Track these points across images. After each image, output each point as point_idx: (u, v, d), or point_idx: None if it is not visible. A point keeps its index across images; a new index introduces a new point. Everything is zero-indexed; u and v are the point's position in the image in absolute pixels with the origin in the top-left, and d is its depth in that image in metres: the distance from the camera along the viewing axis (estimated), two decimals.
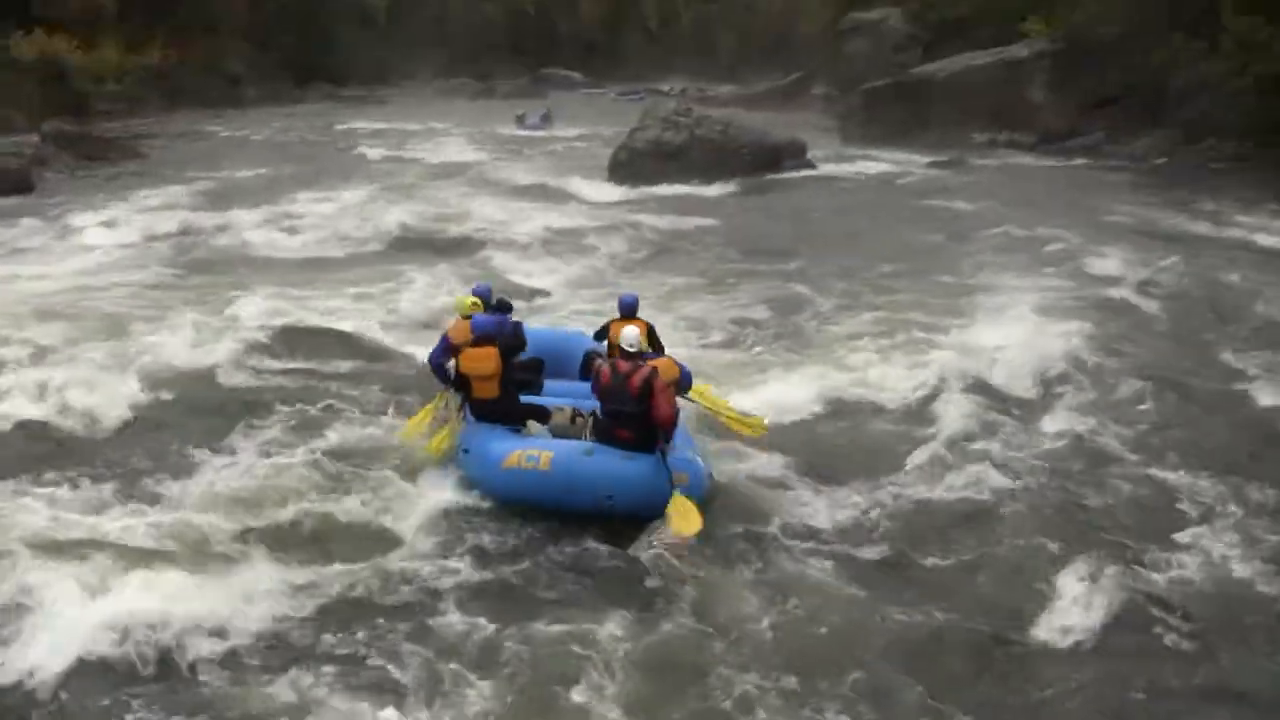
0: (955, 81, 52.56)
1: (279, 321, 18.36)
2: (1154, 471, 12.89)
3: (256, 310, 19.55)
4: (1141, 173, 41.27)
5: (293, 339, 17.27)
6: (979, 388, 15.56)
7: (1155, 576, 10.48)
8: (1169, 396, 15.40)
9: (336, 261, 25.81)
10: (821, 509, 11.93)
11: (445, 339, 12.70)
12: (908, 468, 13.01)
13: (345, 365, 16.43)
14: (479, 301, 13.31)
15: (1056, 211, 31.35)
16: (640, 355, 11.60)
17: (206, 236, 28.41)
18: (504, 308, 13.77)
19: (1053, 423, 14.51)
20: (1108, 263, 24.53)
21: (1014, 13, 58.71)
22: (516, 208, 33.19)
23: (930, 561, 10.94)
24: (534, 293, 22.47)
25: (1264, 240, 27.84)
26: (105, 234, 28.28)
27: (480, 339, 12.12)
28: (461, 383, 12.23)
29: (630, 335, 11.69)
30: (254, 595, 9.79)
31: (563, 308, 21.20)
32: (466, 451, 11.83)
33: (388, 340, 18.07)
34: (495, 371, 12.05)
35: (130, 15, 76.13)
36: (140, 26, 77.13)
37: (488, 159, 48.34)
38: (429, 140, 55.40)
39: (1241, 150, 41.41)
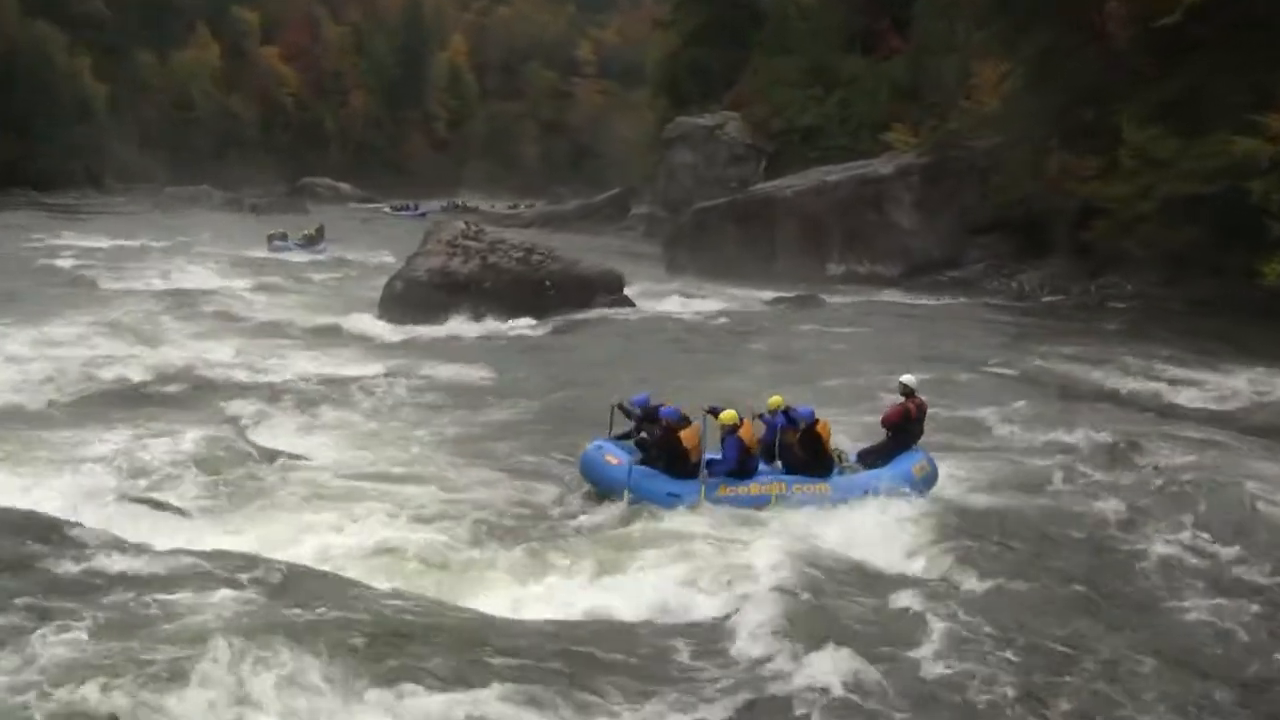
0: (805, 201, 53.46)
1: None
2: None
3: None
4: (1028, 313, 42.20)
5: None
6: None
7: None
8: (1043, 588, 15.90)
9: (29, 416, 24.74)
10: None
11: (740, 440, 19.26)
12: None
13: (20, 549, 15.16)
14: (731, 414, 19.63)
15: (926, 366, 30.79)
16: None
17: None
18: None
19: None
20: (993, 435, 24.73)
21: (875, 121, 59.85)
22: (264, 349, 32.77)
23: None
24: (284, 455, 21.81)
25: (1175, 398, 28.27)
26: None
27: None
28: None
29: (911, 379, 21.21)
30: None
31: (324, 472, 20.77)
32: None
33: (87, 520, 16.96)
34: None
35: None
36: None
37: (233, 288, 47.84)
38: (159, 262, 54.66)
39: (1145, 287, 42.09)
